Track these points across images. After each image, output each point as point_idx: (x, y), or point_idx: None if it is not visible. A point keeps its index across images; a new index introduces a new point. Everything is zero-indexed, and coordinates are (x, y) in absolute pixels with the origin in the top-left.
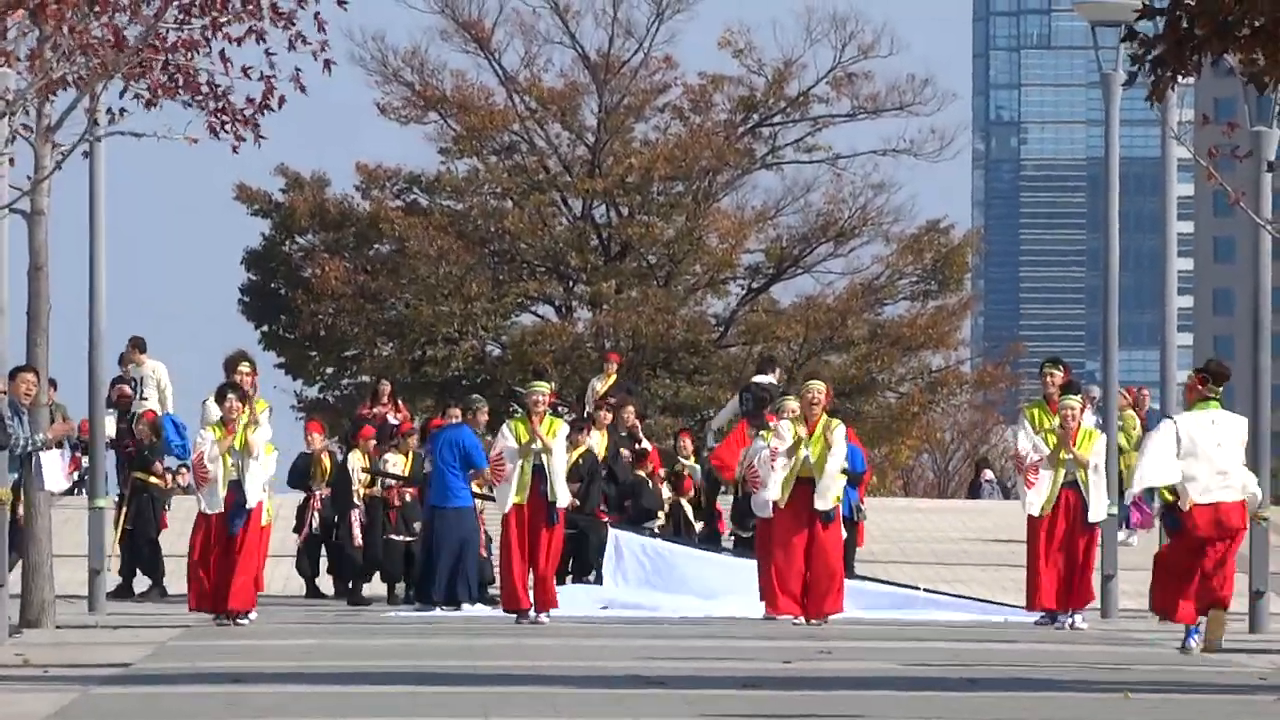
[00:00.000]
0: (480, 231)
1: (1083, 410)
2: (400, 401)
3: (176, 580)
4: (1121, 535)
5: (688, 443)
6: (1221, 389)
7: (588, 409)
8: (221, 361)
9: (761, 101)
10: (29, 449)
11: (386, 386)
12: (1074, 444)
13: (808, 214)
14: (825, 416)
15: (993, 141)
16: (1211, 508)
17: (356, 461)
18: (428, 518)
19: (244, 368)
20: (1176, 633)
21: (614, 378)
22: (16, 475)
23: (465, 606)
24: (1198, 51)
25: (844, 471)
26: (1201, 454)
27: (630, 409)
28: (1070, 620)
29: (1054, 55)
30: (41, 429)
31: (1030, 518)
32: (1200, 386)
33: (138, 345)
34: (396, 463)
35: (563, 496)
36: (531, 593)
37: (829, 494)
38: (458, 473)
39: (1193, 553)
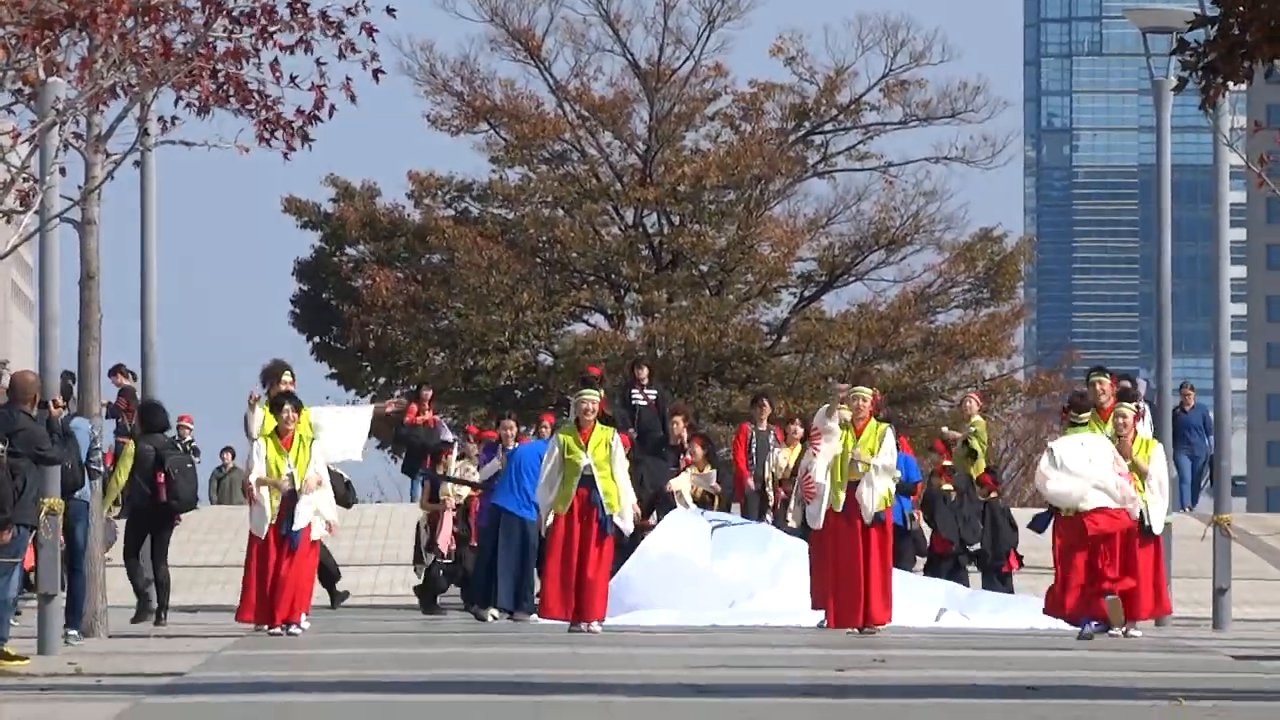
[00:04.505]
0: (531, 241)
1: (1136, 418)
2: (431, 408)
3: (229, 591)
4: None
5: (698, 448)
6: (1086, 414)
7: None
8: (260, 374)
9: (813, 109)
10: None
11: (428, 393)
12: (1131, 453)
13: (859, 222)
14: (874, 421)
15: (1044, 149)
16: (1091, 515)
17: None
18: (491, 522)
19: (287, 377)
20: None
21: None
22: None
23: (519, 616)
24: (1249, 58)
25: (895, 478)
26: (1075, 471)
27: (679, 418)
28: (1125, 628)
29: (1105, 62)
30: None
31: None
32: (1066, 415)
33: None
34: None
35: (627, 509)
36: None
37: (874, 493)
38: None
39: (1085, 553)
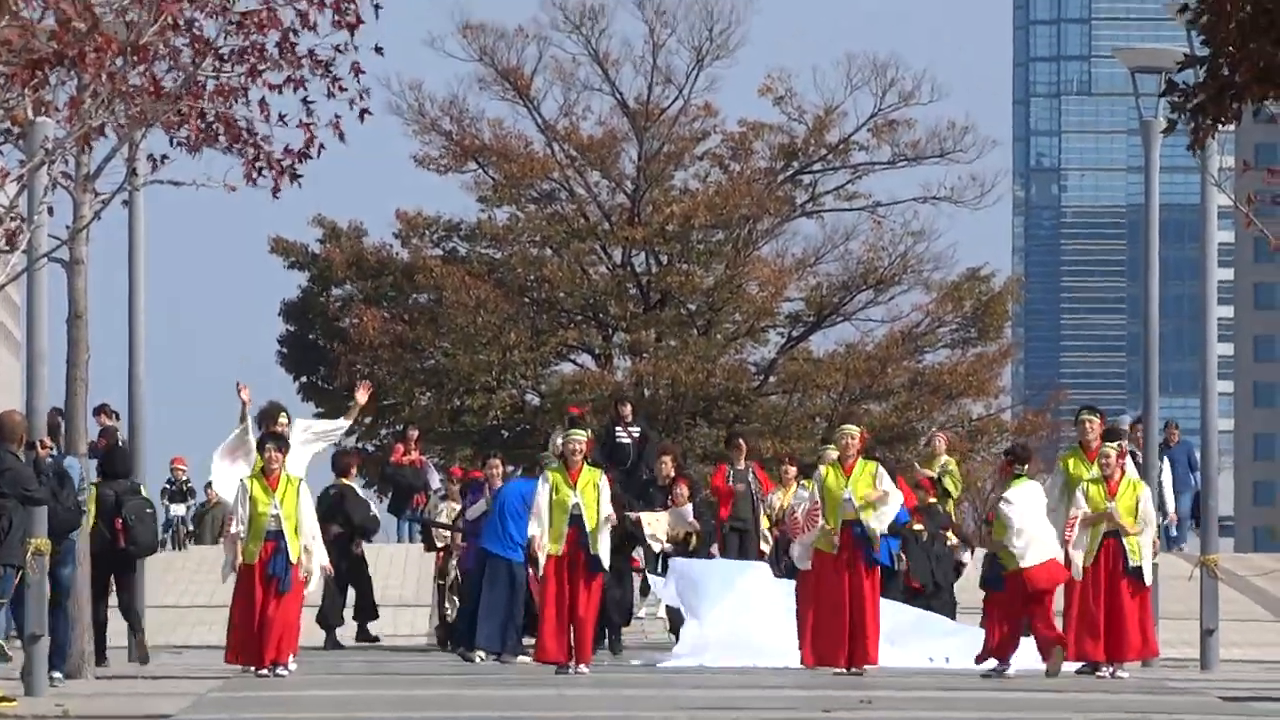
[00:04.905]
0: (519, 280)
1: (1120, 457)
2: (417, 448)
3: (216, 632)
4: None
5: (684, 489)
6: (1026, 465)
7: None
8: (255, 414)
9: (802, 149)
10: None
11: (414, 433)
12: (1115, 494)
13: (848, 262)
14: (862, 459)
15: (1033, 188)
16: (1038, 567)
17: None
18: (476, 564)
19: (283, 419)
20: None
21: None
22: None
23: (505, 657)
24: (1238, 98)
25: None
26: (1033, 521)
27: (668, 458)
28: (1111, 669)
29: (1094, 102)
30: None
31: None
32: (1009, 467)
33: None
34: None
35: (604, 548)
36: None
37: (881, 519)
38: (525, 525)
39: (1023, 604)
